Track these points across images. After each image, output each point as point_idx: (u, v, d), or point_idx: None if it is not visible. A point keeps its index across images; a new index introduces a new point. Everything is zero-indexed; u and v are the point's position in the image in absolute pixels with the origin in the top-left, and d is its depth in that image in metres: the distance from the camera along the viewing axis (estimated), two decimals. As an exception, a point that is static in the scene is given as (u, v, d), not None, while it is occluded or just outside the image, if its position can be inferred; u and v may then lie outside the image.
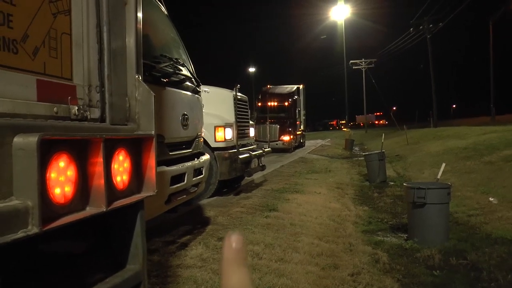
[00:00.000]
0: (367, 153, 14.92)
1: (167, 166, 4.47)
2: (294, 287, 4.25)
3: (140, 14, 1.94)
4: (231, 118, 8.92)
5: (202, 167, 5.57)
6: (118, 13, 1.68)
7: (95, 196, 1.41)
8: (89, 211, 1.41)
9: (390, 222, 7.61)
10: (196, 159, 5.45)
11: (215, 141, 8.46)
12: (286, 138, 25.39)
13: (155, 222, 6.15)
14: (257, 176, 11.90)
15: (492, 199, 8.61)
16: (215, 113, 8.80)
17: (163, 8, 5.61)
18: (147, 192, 1.75)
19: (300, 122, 29.41)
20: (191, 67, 5.79)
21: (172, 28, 5.69)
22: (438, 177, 6.66)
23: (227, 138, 8.55)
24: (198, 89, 5.76)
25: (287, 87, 28.43)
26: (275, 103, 26.45)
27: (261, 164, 10.34)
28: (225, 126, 8.56)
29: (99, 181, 1.40)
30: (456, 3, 36.92)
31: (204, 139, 7.91)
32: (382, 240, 6.39)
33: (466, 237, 6.31)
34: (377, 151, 13.59)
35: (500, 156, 12.34)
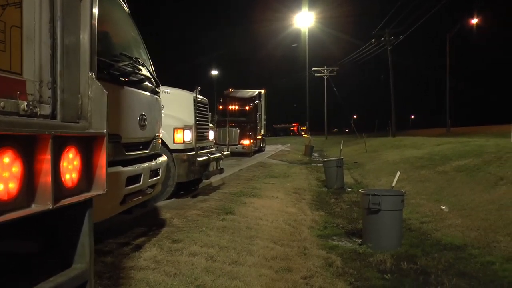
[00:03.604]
0: (325, 159, 15.11)
1: (123, 166, 4.40)
2: (247, 290, 4.26)
3: (95, 11, 1.92)
4: (191, 120, 8.83)
5: (159, 169, 5.51)
6: (73, 8, 1.66)
7: (42, 193, 1.39)
8: (35, 208, 1.38)
9: (346, 227, 7.74)
10: (153, 160, 5.39)
11: (174, 143, 8.37)
12: (246, 142, 25.40)
13: (110, 223, 6.02)
14: (215, 179, 11.85)
15: (444, 207, 8.89)
16: (175, 114, 8.72)
17: (125, 7, 5.52)
18: (97, 191, 1.73)
19: (261, 126, 29.49)
20: (151, 68, 5.73)
21: (133, 27, 5.61)
22: (393, 184, 6.82)
23: (186, 140, 8.48)
24: (157, 89, 5.70)
25: (248, 92, 28.47)
26: (236, 107, 26.42)
27: (219, 167, 10.31)
28: (184, 128, 8.48)
29: (46, 179, 1.38)
30: (418, 16, 37.99)
31: (162, 140, 7.83)
32: (336, 245, 6.49)
33: (417, 243, 6.50)
34: (336, 158, 13.77)
35: (452, 166, 12.75)
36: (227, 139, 21.71)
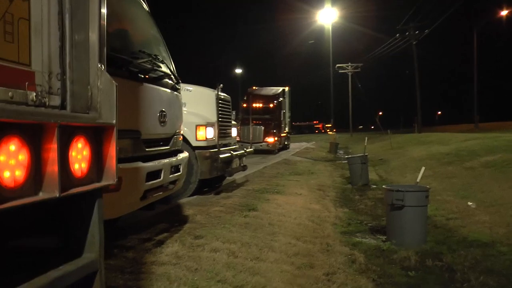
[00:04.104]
0: (350, 156, 15.00)
1: (144, 162, 4.43)
2: (267, 285, 4.25)
3: (105, 2, 1.93)
4: (213, 118, 8.88)
5: (180, 165, 5.54)
6: (82, 0, 1.67)
7: (49, 181, 1.39)
8: (42, 196, 1.39)
9: (370, 224, 7.65)
10: (174, 156, 5.42)
11: (196, 140, 8.44)
12: (270, 139, 25.38)
13: (133, 219, 6.11)
14: (239, 176, 11.88)
15: (471, 203, 8.70)
16: (197, 112, 8.81)
17: (144, 5, 5.58)
18: (107, 181, 1.74)
19: (285, 124, 29.43)
20: (172, 65, 5.77)
21: (153, 25, 5.65)
22: (418, 180, 6.71)
23: (208, 137, 8.53)
24: (177, 86, 5.73)
25: (272, 89, 28.44)
26: (260, 105, 26.43)
27: (242, 164, 10.34)
28: (206, 125, 8.54)
29: (53, 167, 1.38)
30: (443, 10, 37.34)
31: (185, 137, 7.94)
32: (360, 241, 6.42)
33: (443, 240, 6.37)
34: (360, 154, 13.66)
35: (480, 162, 12.50)
36: (251, 136, 21.85)
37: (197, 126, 8.45)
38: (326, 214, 8.22)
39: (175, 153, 5.58)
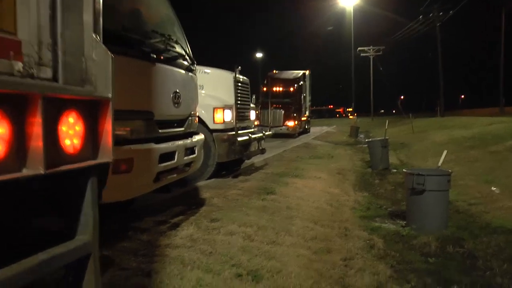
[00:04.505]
0: (370, 139, 14.80)
1: (157, 143, 4.36)
2: (283, 269, 4.16)
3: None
4: (231, 100, 8.78)
5: (195, 147, 5.47)
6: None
7: (33, 157, 1.30)
8: (25, 172, 1.30)
9: (389, 209, 7.50)
10: (188, 138, 5.34)
11: (214, 122, 8.38)
12: (290, 123, 25.25)
13: (149, 201, 6.08)
14: (258, 160, 11.80)
15: (495, 188, 8.48)
16: (215, 94, 8.76)
17: None
18: (103, 158, 1.64)
19: (305, 108, 29.22)
20: (187, 46, 5.68)
21: (168, 6, 5.57)
22: (439, 164, 6.53)
23: (226, 120, 8.46)
24: (192, 67, 5.64)
25: (293, 73, 28.23)
26: (281, 88, 26.26)
27: (260, 148, 10.24)
28: (224, 107, 8.47)
29: (37, 142, 1.29)
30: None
31: (202, 120, 7.90)
32: (379, 226, 6.29)
33: (465, 226, 6.20)
34: (381, 138, 13.47)
35: (505, 146, 12.18)
36: (272, 120, 21.76)
37: (214, 108, 8.39)
38: (345, 198, 8.09)
39: (190, 135, 5.50)
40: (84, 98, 1.54)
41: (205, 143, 7.77)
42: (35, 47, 1.40)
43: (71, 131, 1.48)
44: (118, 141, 3.84)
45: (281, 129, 23.91)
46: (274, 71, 28.65)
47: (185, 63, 5.36)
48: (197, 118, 6.02)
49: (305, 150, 16.74)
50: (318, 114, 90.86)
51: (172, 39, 5.04)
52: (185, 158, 5.12)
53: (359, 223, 6.40)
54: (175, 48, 5.07)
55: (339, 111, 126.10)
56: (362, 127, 35.50)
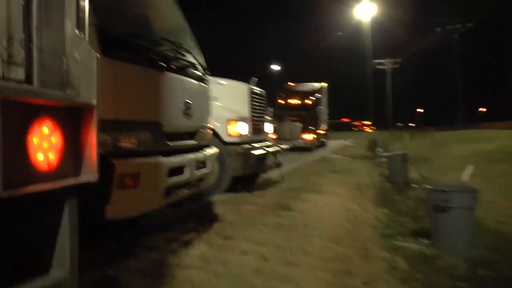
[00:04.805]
0: (389, 153, 14.45)
1: (165, 157, 4.12)
2: (300, 294, 3.85)
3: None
4: (246, 112, 8.64)
5: (207, 161, 5.23)
6: None
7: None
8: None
9: (412, 227, 7.11)
10: (200, 151, 5.10)
11: (228, 135, 8.19)
12: (307, 137, 25.00)
13: (159, 217, 5.85)
14: (274, 174, 11.53)
15: (525, 206, 8.05)
16: (229, 106, 8.57)
17: None
18: (86, 176, 1.39)
19: (323, 121, 28.93)
20: (199, 55, 5.47)
21: (179, 14, 5.41)
22: (465, 179, 6.17)
23: (240, 132, 8.27)
24: (204, 77, 5.42)
25: (309, 85, 28.08)
26: (297, 101, 26.17)
27: (277, 162, 9.99)
28: (238, 120, 8.30)
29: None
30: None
31: (217, 133, 7.69)
32: (401, 246, 5.92)
33: (495, 246, 5.79)
34: (400, 152, 13.14)
35: (532, 160, 11.73)
36: (288, 133, 21.53)
37: (229, 120, 8.21)
38: (365, 214, 7.75)
39: (202, 148, 5.26)
40: (64, 105, 1.28)
41: (220, 157, 7.57)
42: (3, 43, 1.15)
43: (45, 144, 1.23)
44: (124, 154, 3.63)
45: (298, 143, 23.65)
46: (291, 84, 28.50)
47: (197, 72, 5.16)
48: (210, 131, 5.79)
49: (323, 164, 16.43)
50: (335, 127, 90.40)
51: (183, 48, 4.86)
52: (197, 172, 4.88)
53: (380, 242, 6.05)
54: (186, 57, 4.87)
55: (356, 124, 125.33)
56: (380, 140, 34.97)
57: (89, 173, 1.38)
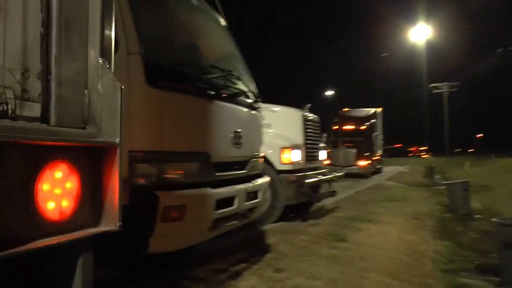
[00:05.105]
0: (449, 181, 13.82)
1: (213, 188, 4.00)
2: (355, 337, 3.59)
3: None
4: (299, 140, 8.49)
5: (258, 191, 5.07)
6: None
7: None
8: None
9: (477, 262, 6.65)
10: (251, 181, 4.95)
11: (281, 163, 8.03)
12: (362, 163, 24.40)
13: (208, 247, 5.71)
14: (328, 202, 11.23)
15: None
16: (282, 133, 8.47)
17: (221, 20, 5.29)
18: (106, 225, 1.24)
19: (378, 146, 28.27)
20: (250, 82, 5.38)
21: (230, 41, 5.36)
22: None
23: (293, 160, 8.09)
24: (255, 105, 5.30)
25: (364, 110, 27.62)
26: (352, 126, 25.74)
27: (331, 190, 9.73)
28: (292, 147, 8.14)
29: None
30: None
31: (269, 160, 7.58)
32: (467, 283, 5.52)
33: None
34: (461, 180, 12.53)
35: None
36: (343, 160, 21.14)
37: (282, 148, 8.06)
38: (424, 247, 7.33)
39: (253, 177, 5.11)
40: (83, 145, 1.15)
41: (272, 185, 7.45)
42: (17, 76, 1.04)
43: (57, 190, 1.10)
44: (169, 185, 3.53)
45: (352, 169, 23.12)
46: (345, 109, 28.16)
47: (248, 100, 5.06)
48: (262, 159, 5.65)
49: (378, 192, 15.92)
50: (390, 153, 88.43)
51: (233, 75, 4.76)
52: (247, 203, 4.73)
53: (443, 278, 5.66)
54: (237, 84, 4.78)
55: (412, 150, 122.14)
56: (437, 167, 33.84)
57: (111, 222, 1.24)
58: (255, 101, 5.33)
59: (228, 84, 4.55)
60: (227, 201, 4.29)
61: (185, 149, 3.79)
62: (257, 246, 6.29)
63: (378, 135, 28.56)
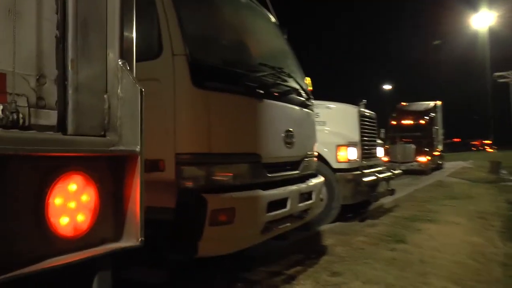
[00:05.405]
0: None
1: (265, 190, 3.89)
2: None
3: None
4: (356, 137, 8.32)
5: (312, 191, 4.92)
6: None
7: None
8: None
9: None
10: (304, 182, 4.81)
11: (337, 161, 7.87)
12: (422, 159, 23.67)
13: (263, 249, 5.61)
14: (387, 201, 10.90)
15: None
16: (338, 131, 8.34)
17: (271, 16, 5.17)
18: (127, 241, 1.13)
19: (438, 141, 27.35)
20: (302, 79, 5.22)
21: (280, 37, 5.22)
22: None
23: (350, 158, 7.91)
24: (308, 102, 5.14)
25: (423, 104, 26.85)
26: (410, 121, 25.09)
27: (389, 188, 9.44)
28: (348, 145, 7.95)
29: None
30: None
31: (325, 159, 7.44)
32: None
33: None
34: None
35: None
36: (401, 156, 20.58)
37: (337, 146, 7.90)
38: (492, 250, 6.90)
39: (306, 178, 4.97)
40: (102, 155, 1.05)
41: (329, 184, 7.33)
42: (30, 82, 0.94)
43: (72, 204, 1.00)
44: (217, 188, 3.46)
45: (412, 165, 22.51)
46: (403, 103, 27.49)
47: (300, 98, 4.94)
48: (316, 159, 5.50)
49: (439, 189, 15.33)
50: (452, 147, 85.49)
51: (284, 72, 4.64)
52: (300, 204, 4.60)
53: (514, 285, 5.29)
54: (288, 82, 4.66)
55: (475, 144, 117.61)
56: (504, 161, 32.36)
57: (132, 237, 1.13)
58: (308, 99, 5.18)
59: (279, 82, 4.44)
60: (279, 203, 4.19)
61: (234, 151, 3.72)
62: (313, 248, 6.18)
63: (439, 129, 27.67)
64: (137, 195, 1.12)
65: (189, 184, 3.35)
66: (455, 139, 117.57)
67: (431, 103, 26.87)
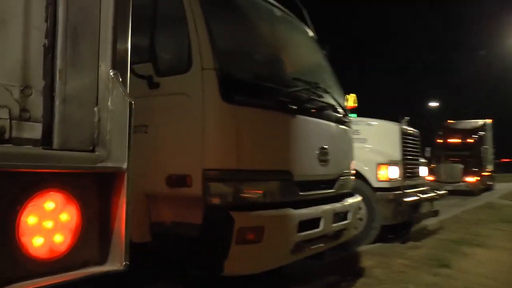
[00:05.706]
0: None
1: (296, 208, 3.78)
2: None
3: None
4: (397, 155, 8.09)
5: (348, 211, 4.77)
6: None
7: None
8: None
9: None
10: (340, 201, 4.66)
11: (378, 180, 7.66)
12: (470, 179, 22.88)
13: (297, 268, 5.49)
14: (431, 222, 10.54)
15: None
16: (379, 148, 8.14)
17: (308, 31, 5.10)
18: (111, 264, 1.04)
19: (488, 161, 26.44)
20: (340, 95, 5.11)
21: (318, 52, 5.15)
22: None
23: (391, 177, 7.70)
24: (345, 119, 5.02)
25: (470, 122, 26.08)
26: (458, 140, 24.39)
27: (433, 209, 9.14)
28: (389, 163, 7.75)
29: None
30: None
31: (365, 177, 7.29)
32: None
33: None
34: None
35: None
36: (448, 176, 19.98)
37: (378, 164, 7.70)
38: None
39: (342, 197, 4.82)
40: (86, 172, 0.97)
41: (368, 203, 7.19)
42: (14, 93, 0.88)
43: (48, 223, 0.94)
44: (246, 206, 3.40)
45: (459, 186, 21.81)
46: (450, 121, 26.76)
47: (336, 114, 4.83)
48: (353, 177, 5.35)
49: (489, 212, 14.72)
50: (504, 168, 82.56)
51: (320, 88, 4.55)
52: (335, 225, 4.45)
53: None
54: (323, 97, 4.56)
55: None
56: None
57: (116, 260, 1.04)
58: (345, 115, 5.07)
59: (313, 97, 4.36)
60: (312, 223, 4.06)
61: (263, 168, 3.66)
62: (350, 269, 5.99)
63: (488, 148, 26.77)
64: (123, 215, 1.05)
65: (216, 200, 3.31)
66: (505, 159, 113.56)
67: (480, 121, 26.09)
